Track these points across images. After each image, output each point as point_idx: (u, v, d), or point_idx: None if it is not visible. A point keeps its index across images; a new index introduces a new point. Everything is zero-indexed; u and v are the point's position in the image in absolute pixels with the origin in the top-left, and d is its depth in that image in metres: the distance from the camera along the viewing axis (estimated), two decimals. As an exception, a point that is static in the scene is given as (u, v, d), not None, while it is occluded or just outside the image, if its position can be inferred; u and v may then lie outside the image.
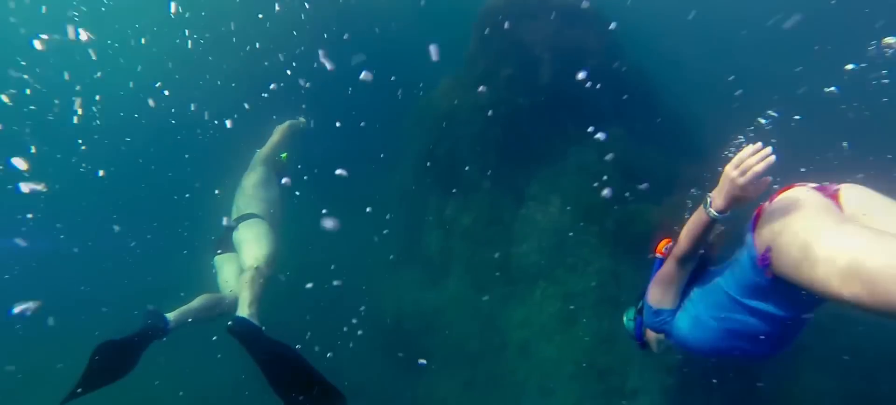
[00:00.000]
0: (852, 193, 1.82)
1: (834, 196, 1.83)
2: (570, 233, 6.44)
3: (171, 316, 4.40)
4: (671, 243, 2.29)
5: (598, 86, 6.90)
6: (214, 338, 5.56)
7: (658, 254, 2.42)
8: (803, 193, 1.79)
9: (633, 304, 2.59)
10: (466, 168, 7.17)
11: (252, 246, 4.80)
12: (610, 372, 5.71)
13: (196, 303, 4.63)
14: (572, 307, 6.21)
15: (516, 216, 6.86)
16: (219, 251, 5.08)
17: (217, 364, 9.07)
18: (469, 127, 7.02)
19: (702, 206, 1.91)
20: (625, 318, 2.64)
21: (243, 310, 4.32)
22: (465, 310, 7.33)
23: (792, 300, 1.83)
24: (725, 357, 2.11)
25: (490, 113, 6.95)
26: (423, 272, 8.19)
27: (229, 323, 4.10)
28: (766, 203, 1.87)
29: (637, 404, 5.52)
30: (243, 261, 4.73)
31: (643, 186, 6.41)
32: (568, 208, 6.56)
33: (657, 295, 2.28)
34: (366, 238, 9.92)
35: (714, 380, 5.30)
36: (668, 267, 2.18)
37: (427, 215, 8.04)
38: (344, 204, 10.05)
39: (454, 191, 7.43)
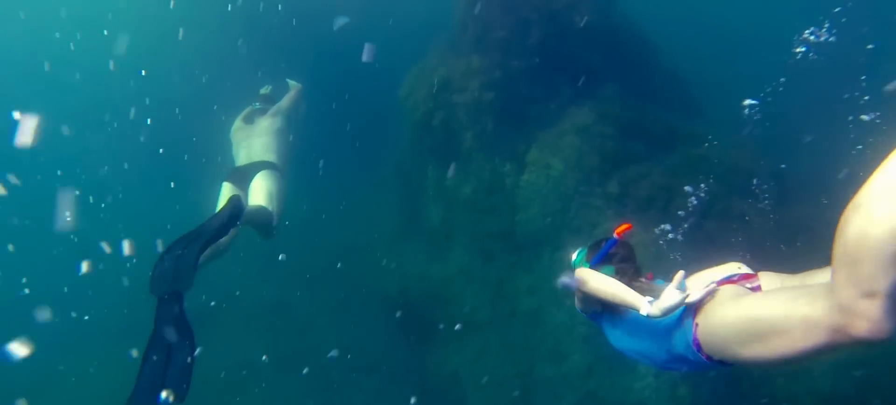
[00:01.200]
0: (767, 282, 2.39)
1: (756, 291, 2.35)
2: (574, 197, 6.64)
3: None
4: (630, 229, 2.77)
5: (591, 44, 7.01)
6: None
7: (616, 235, 2.78)
8: (728, 289, 2.32)
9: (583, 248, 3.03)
10: (464, 136, 7.31)
11: (268, 202, 5.39)
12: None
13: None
14: (580, 271, 6.45)
15: (518, 182, 7.05)
16: (230, 182, 5.52)
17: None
18: (464, 94, 7.13)
19: (640, 302, 2.32)
20: (575, 256, 3.05)
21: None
22: (472, 280, 7.60)
23: (686, 365, 2.45)
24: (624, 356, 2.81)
25: (483, 79, 7.04)
26: (427, 245, 8.43)
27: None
28: (707, 295, 2.30)
29: (649, 362, 5.82)
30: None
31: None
32: (570, 172, 6.75)
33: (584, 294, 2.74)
34: (366, 215, 10.16)
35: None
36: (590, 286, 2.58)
37: (426, 187, 8.21)
38: (342, 183, 10.30)
39: (453, 161, 7.58)
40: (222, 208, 4.68)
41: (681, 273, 2.27)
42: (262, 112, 6.21)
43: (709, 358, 2.25)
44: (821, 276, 2.24)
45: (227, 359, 9.60)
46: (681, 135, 7.01)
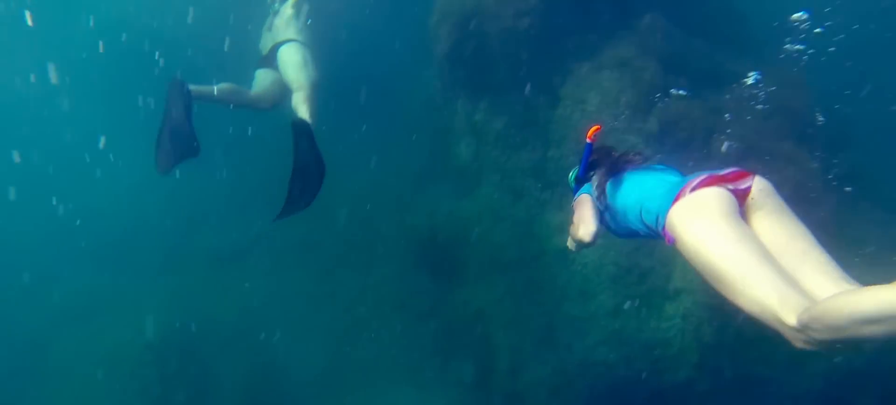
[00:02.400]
0: (758, 191, 2.45)
1: (743, 194, 2.44)
2: (610, 134, 6.62)
3: (192, 86, 5.57)
4: (599, 130, 3.08)
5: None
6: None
7: (588, 140, 3.11)
8: (713, 198, 2.39)
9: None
10: (497, 68, 7.31)
11: (298, 70, 5.94)
12: (651, 272, 6.09)
13: (222, 85, 5.86)
14: (613, 210, 6.50)
15: (552, 117, 7.06)
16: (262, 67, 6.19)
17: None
18: (497, 22, 7.08)
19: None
20: (570, 175, 3.49)
21: (304, 116, 5.66)
22: (500, 218, 7.74)
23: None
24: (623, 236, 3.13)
25: (519, 6, 6.97)
26: (456, 183, 8.57)
27: (293, 120, 5.55)
28: (687, 192, 2.46)
29: (680, 304, 5.92)
30: (290, 82, 5.88)
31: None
32: (606, 107, 6.71)
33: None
34: (394, 153, 10.32)
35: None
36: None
37: (456, 123, 8.28)
38: (369, 116, 10.44)
39: (484, 94, 7.61)
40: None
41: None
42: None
43: (670, 244, 2.54)
44: (801, 263, 2.26)
45: (257, 295, 10.14)
46: (728, 72, 6.84)
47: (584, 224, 2.83)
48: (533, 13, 7.01)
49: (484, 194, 7.98)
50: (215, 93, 5.76)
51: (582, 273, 6.60)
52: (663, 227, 2.52)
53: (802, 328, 1.84)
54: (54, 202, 11.87)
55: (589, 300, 6.47)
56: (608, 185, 3.06)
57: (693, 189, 2.45)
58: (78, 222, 11.77)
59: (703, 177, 2.49)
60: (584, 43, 7.05)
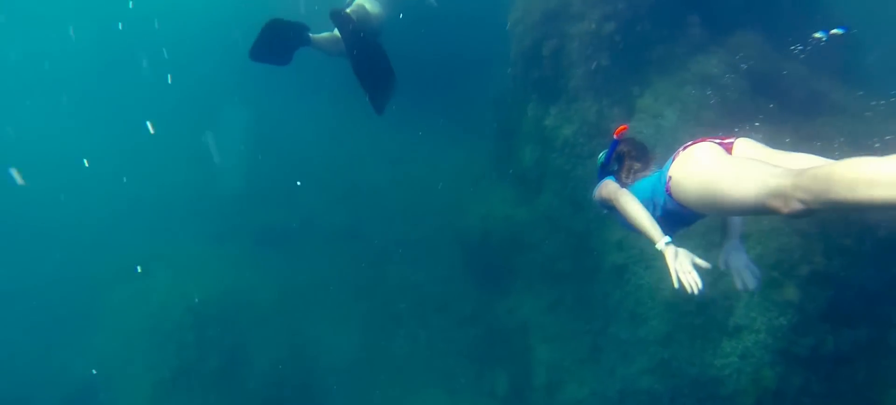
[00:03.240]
0: (741, 144, 2.77)
1: (728, 147, 2.76)
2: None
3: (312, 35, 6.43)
4: (626, 129, 3.40)
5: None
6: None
7: (615, 136, 3.42)
8: (704, 146, 2.74)
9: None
10: (574, 71, 7.23)
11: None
12: (712, 304, 5.79)
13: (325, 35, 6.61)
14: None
15: (624, 130, 6.89)
16: None
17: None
18: (581, 23, 7.02)
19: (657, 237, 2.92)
20: (600, 157, 3.66)
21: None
22: (557, 228, 7.60)
23: (674, 218, 3.02)
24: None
25: (605, 9, 6.90)
26: (516, 187, 8.49)
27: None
28: (682, 150, 2.85)
29: (740, 342, 5.59)
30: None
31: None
32: (683, 124, 6.50)
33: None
34: (456, 150, 10.38)
35: (831, 326, 5.25)
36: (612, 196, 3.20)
37: (523, 124, 8.23)
38: (434, 110, 10.56)
39: (556, 98, 7.54)
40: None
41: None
42: None
43: (676, 201, 2.83)
44: (783, 160, 2.58)
45: (300, 277, 10.36)
46: (827, 101, 6.49)
47: (666, 250, 2.93)
48: (619, 18, 6.91)
49: (543, 202, 7.86)
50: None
51: (636, 295, 6.36)
52: (666, 183, 2.86)
53: (792, 187, 2.05)
54: (120, 173, 12.72)
55: (639, 324, 6.21)
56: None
57: (685, 148, 2.85)
58: (139, 190, 12.54)
59: (693, 141, 2.88)
60: (668, 54, 6.87)
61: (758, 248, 5.49)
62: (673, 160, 2.88)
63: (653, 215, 2.98)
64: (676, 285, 2.81)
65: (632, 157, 3.49)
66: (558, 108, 7.50)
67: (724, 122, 6.00)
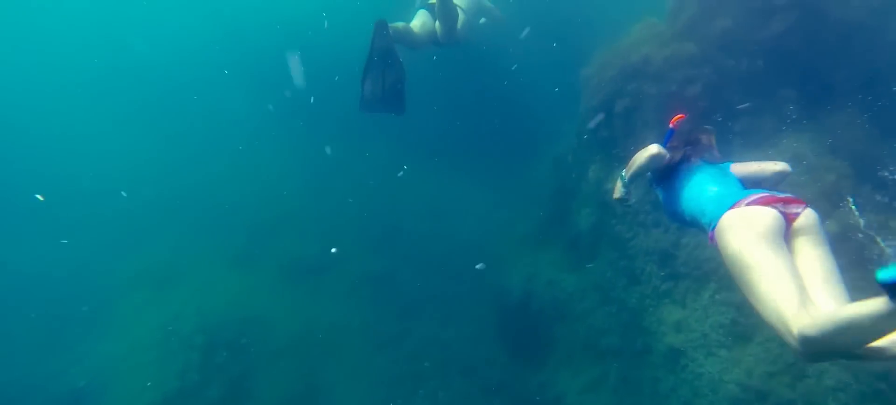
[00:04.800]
0: (804, 220, 2.77)
1: (792, 217, 2.78)
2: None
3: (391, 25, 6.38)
4: (683, 118, 3.51)
5: (844, 54, 6.13)
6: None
7: (671, 125, 3.53)
8: (764, 215, 2.70)
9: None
10: (646, 133, 6.76)
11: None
12: (787, 408, 5.00)
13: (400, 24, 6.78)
14: (750, 321, 5.56)
15: (697, 202, 6.31)
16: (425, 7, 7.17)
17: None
18: (661, 84, 6.61)
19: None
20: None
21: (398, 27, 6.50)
22: (608, 300, 6.98)
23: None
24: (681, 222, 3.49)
25: (689, 72, 6.48)
26: (566, 251, 7.94)
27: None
28: (744, 204, 2.80)
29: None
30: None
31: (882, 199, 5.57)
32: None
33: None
34: (507, 205, 9.91)
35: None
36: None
37: (583, 185, 7.74)
38: (488, 162, 10.20)
39: (624, 160, 7.03)
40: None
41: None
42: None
43: (712, 242, 2.93)
44: (820, 286, 2.60)
45: (322, 317, 9.88)
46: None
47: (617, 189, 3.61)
48: (704, 82, 6.48)
49: (595, 270, 7.27)
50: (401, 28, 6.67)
51: (693, 384, 5.61)
52: (713, 228, 2.88)
53: (800, 339, 2.21)
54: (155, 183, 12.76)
55: (696, 420, 5.43)
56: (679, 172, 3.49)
57: (749, 203, 2.78)
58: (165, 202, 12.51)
59: (761, 194, 2.83)
60: (755, 127, 6.35)
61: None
62: (734, 205, 2.83)
63: (681, 216, 3.36)
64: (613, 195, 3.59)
65: (681, 145, 3.60)
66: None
67: (823, 205, 5.37)
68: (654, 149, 3.45)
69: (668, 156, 3.50)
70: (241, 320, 9.73)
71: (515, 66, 8.78)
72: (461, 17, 7.08)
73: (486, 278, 9.00)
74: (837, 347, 2.18)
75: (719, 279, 5.86)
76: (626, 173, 3.55)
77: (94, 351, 10.24)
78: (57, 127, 15.94)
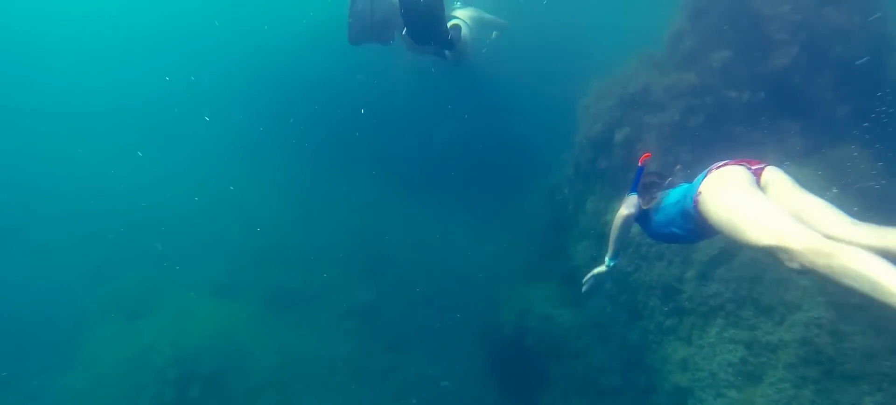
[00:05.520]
0: (770, 174, 3.09)
1: (758, 173, 3.08)
2: (772, 268, 5.60)
3: None
4: (650, 156, 3.71)
5: (846, 89, 6.09)
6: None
7: (640, 163, 3.71)
8: (735, 170, 3.03)
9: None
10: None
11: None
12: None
13: None
14: (760, 360, 5.36)
15: (700, 234, 6.15)
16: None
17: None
18: (662, 114, 6.50)
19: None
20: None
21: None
22: (608, 337, 6.73)
23: (695, 228, 3.27)
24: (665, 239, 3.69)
25: (691, 102, 6.38)
26: (562, 285, 7.71)
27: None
28: (715, 168, 3.13)
29: None
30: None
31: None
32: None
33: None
34: (501, 237, 9.69)
35: None
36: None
37: (580, 219, 7.55)
38: (479, 192, 9.99)
39: (623, 192, 6.87)
40: None
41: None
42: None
43: (700, 214, 3.06)
44: (802, 204, 2.87)
45: (305, 349, 9.50)
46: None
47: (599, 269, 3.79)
48: (706, 113, 6.38)
49: (593, 305, 7.05)
50: None
51: (703, 428, 5.35)
52: (694, 196, 3.09)
53: (801, 253, 2.36)
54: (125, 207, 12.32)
55: (705, 466, 5.17)
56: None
57: (718, 167, 3.12)
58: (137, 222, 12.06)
59: (726, 160, 3.17)
60: (760, 159, 6.22)
61: (877, 396, 4.58)
62: (706, 175, 3.13)
63: (673, 232, 3.47)
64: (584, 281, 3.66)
65: (652, 183, 3.81)
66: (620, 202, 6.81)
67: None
68: (624, 212, 3.73)
69: (641, 204, 3.74)
70: (220, 352, 9.28)
71: (507, 93, 8.66)
72: (463, 30, 7.05)
73: (478, 312, 8.72)
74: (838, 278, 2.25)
75: (727, 315, 5.66)
76: (609, 255, 3.87)
77: (52, 385, 9.66)
78: (26, 147, 15.41)
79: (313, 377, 9.15)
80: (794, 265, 2.40)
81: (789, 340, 5.34)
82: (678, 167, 6.52)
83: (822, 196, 2.97)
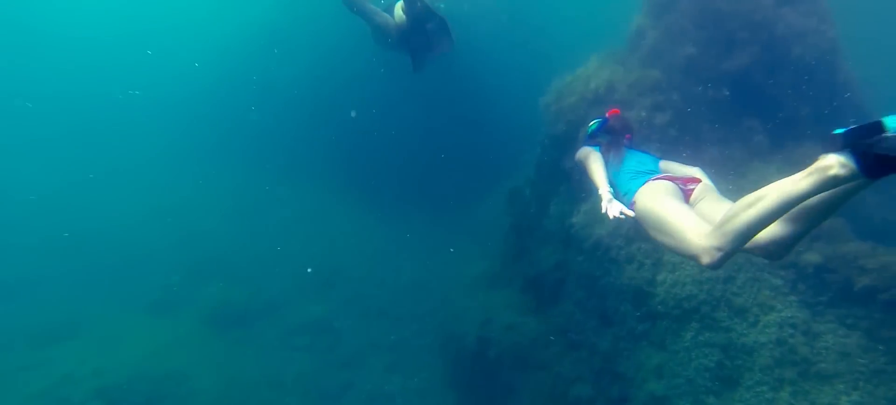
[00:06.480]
0: (700, 191, 3.36)
1: (688, 193, 3.35)
2: (744, 268, 5.51)
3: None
4: (618, 114, 4.15)
5: (805, 88, 6.09)
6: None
7: (608, 116, 4.13)
8: (665, 185, 3.28)
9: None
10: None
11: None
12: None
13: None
14: (736, 363, 5.24)
15: (670, 235, 6.01)
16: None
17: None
18: (628, 111, 6.31)
19: (602, 191, 3.51)
20: (590, 124, 4.22)
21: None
22: (577, 345, 6.50)
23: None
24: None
25: (657, 98, 6.25)
26: (525, 291, 7.46)
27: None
28: (651, 180, 3.37)
29: None
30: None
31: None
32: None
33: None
34: (459, 242, 9.37)
35: None
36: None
37: (544, 222, 7.33)
38: (433, 195, 9.65)
39: (590, 193, 6.69)
40: None
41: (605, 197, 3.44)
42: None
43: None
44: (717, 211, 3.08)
45: (251, 370, 8.92)
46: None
47: (604, 195, 3.47)
48: (673, 109, 6.26)
49: (561, 312, 6.82)
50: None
51: (682, 437, 5.18)
52: (632, 197, 3.39)
53: (709, 242, 2.66)
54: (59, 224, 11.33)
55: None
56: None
57: (655, 179, 3.37)
58: (65, 235, 11.09)
59: (665, 175, 3.45)
60: (724, 157, 6.18)
61: (854, 395, 4.50)
62: (643, 184, 3.40)
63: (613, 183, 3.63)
64: (608, 215, 3.36)
65: (610, 136, 4.05)
66: (591, 204, 6.62)
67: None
68: (592, 152, 3.87)
69: (604, 149, 3.93)
70: (153, 379, 8.57)
71: (463, 93, 8.38)
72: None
73: (436, 323, 8.38)
74: (741, 230, 2.53)
75: (702, 317, 5.53)
76: (601, 188, 3.65)
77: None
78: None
79: (260, 401, 8.56)
80: (714, 257, 2.64)
81: (764, 342, 5.26)
82: (643, 115, 6.40)
83: None
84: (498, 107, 8.44)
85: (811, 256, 5.17)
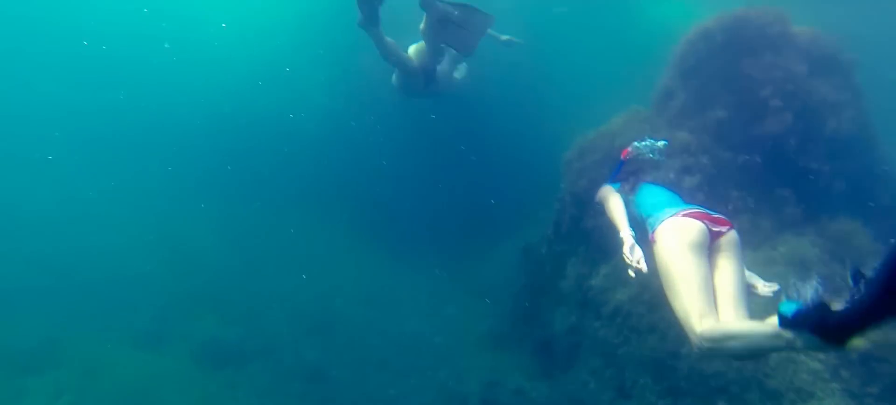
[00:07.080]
0: (727, 243, 3.34)
1: (717, 235, 3.34)
2: (780, 348, 5.21)
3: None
4: (628, 153, 4.36)
5: (842, 161, 5.91)
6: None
7: (622, 157, 4.37)
8: (694, 227, 3.28)
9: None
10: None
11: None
12: None
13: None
14: (766, 450, 4.89)
15: (695, 305, 5.74)
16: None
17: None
18: (654, 172, 6.07)
19: (625, 237, 3.61)
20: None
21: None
22: (591, 416, 6.13)
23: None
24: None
25: (686, 161, 6.06)
26: (536, 354, 7.15)
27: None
28: (681, 214, 3.39)
29: None
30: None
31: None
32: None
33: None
34: (466, 301, 9.04)
35: None
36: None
37: (559, 283, 7.05)
38: (445, 249, 9.38)
39: (610, 255, 6.44)
40: None
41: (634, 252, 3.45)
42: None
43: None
44: (726, 299, 3.10)
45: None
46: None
47: (626, 240, 3.51)
48: (702, 173, 6.06)
49: (574, 380, 6.50)
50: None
51: None
52: (653, 231, 3.40)
53: (701, 336, 2.80)
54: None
55: None
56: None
57: (684, 215, 3.35)
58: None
59: (697, 209, 3.43)
60: (753, 226, 5.95)
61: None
62: (671, 217, 3.36)
63: (633, 218, 3.70)
64: (629, 265, 3.36)
65: (632, 175, 4.21)
66: (611, 266, 6.35)
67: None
68: (612, 190, 4.11)
69: (623, 190, 4.07)
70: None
71: (479, 141, 8.23)
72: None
73: (438, 380, 7.99)
74: (727, 350, 2.81)
75: (730, 398, 5.21)
76: (622, 231, 3.66)
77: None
78: None
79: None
80: (698, 349, 2.82)
81: (801, 427, 4.94)
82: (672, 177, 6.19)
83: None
84: (515, 160, 8.26)
85: (857, 341, 4.87)
